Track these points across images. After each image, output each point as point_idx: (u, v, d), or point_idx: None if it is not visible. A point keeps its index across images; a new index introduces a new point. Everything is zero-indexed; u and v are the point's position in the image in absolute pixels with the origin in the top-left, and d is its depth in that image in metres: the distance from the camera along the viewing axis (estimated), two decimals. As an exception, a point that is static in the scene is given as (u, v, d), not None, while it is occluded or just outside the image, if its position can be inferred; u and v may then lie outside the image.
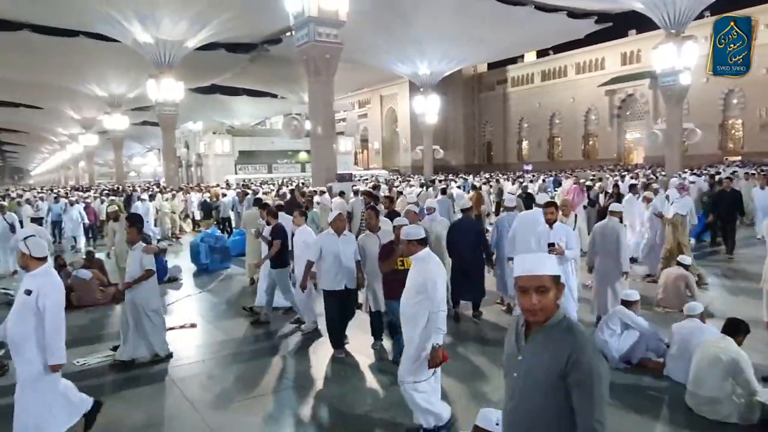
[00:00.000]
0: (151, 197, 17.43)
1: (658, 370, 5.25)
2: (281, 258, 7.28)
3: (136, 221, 6.32)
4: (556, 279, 2.02)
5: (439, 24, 30.37)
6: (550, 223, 5.49)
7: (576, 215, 8.77)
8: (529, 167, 47.89)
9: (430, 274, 4.13)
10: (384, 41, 32.38)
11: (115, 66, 34.12)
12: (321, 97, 21.74)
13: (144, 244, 6.13)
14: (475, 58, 42.18)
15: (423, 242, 4.38)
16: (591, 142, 54.66)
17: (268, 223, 7.57)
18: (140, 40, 27.26)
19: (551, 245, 5.87)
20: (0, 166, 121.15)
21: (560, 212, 7.65)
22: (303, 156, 46.84)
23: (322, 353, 6.27)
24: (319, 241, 6.15)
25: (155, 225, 16.05)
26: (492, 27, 31.21)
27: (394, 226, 6.05)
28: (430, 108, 39.11)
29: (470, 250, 7.11)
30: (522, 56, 56.15)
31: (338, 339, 6.18)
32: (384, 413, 4.70)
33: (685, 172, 21.70)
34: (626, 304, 5.71)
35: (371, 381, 5.48)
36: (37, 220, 9.40)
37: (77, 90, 39.12)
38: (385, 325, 6.11)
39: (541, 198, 9.57)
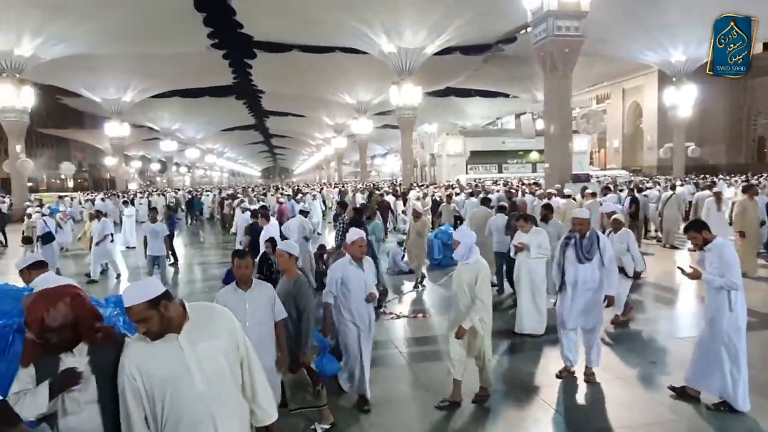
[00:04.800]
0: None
1: None
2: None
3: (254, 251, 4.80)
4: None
5: (698, 2, 26.52)
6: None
7: None
8: (819, 166, 39.06)
9: None
10: (629, 28, 29.58)
11: (363, 76, 37.98)
12: (557, 94, 20.91)
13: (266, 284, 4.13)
14: (745, 37, 35.80)
15: None
16: None
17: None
18: (385, 50, 29.87)
19: None
20: (272, 166, 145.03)
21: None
22: (534, 156, 45.70)
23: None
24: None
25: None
26: (770, -1, 26.09)
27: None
28: (684, 100, 34.47)
29: None
30: (813, 30, 45.80)
31: None
32: None
33: None
34: None
35: None
36: (304, 213, 11.05)
37: (332, 99, 44.75)
38: None
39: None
